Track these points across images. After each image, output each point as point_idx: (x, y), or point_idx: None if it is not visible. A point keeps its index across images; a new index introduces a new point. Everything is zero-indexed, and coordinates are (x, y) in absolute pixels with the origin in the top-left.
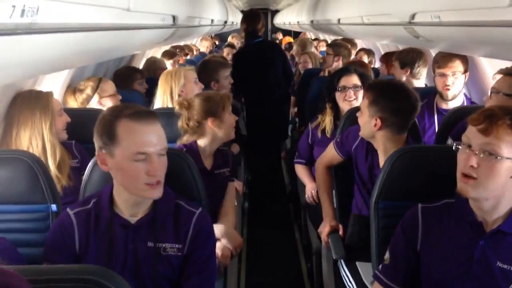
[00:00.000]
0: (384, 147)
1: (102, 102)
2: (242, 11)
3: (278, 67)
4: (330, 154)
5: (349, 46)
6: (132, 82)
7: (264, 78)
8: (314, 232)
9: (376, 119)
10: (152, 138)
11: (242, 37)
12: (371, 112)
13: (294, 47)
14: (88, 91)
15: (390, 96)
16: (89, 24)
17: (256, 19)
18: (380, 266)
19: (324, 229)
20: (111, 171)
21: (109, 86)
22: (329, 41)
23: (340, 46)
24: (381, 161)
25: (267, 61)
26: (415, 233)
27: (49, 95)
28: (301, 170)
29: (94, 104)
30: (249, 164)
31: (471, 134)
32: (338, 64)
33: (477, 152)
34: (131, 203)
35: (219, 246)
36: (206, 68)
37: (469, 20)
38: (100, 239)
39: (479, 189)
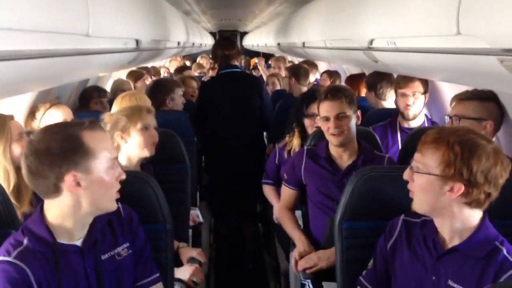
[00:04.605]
0: (354, 140)
1: None
2: (211, 33)
3: (253, 107)
4: (285, 194)
5: (306, 66)
6: (89, 102)
7: (232, 120)
8: (282, 253)
9: (358, 111)
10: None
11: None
12: (353, 110)
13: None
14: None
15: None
16: (47, 51)
17: (228, 44)
18: (364, 271)
19: (299, 256)
20: (84, 192)
21: (61, 112)
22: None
23: (294, 68)
24: (346, 160)
25: (239, 99)
26: (389, 239)
27: (6, 118)
28: (268, 191)
29: None
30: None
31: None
32: (295, 84)
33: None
34: (81, 225)
35: (186, 269)
36: (161, 86)
37: (421, 46)
38: (54, 277)
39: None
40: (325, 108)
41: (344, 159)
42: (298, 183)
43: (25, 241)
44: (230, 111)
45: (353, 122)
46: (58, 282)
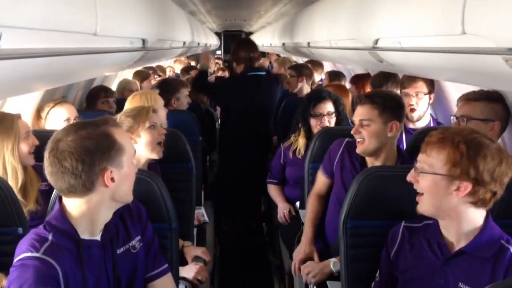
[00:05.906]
0: (390, 151)
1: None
2: (216, 33)
3: (269, 111)
4: (319, 181)
5: (310, 65)
6: (96, 101)
7: (248, 118)
8: (287, 252)
9: (393, 123)
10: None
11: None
12: (384, 119)
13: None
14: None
15: (396, 100)
16: (54, 49)
17: (251, 47)
18: (373, 283)
19: (298, 256)
20: (115, 186)
21: (65, 110)
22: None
23: (301, 67)
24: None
25: (257, 102)
26: (392, 247)
27: (14, 117)
28: (273, 190)
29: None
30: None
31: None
32: (302, 84)
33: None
34: (103, 221)
35: (190, 268)
36: (167, 86)
37: (427, 46)
38: (79, 271)
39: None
40: (355, 112)
41: None
42: (331, 173)
43: (50, 237)
44: (246, 110)
45: (384, 131)
46: (82, 276)
